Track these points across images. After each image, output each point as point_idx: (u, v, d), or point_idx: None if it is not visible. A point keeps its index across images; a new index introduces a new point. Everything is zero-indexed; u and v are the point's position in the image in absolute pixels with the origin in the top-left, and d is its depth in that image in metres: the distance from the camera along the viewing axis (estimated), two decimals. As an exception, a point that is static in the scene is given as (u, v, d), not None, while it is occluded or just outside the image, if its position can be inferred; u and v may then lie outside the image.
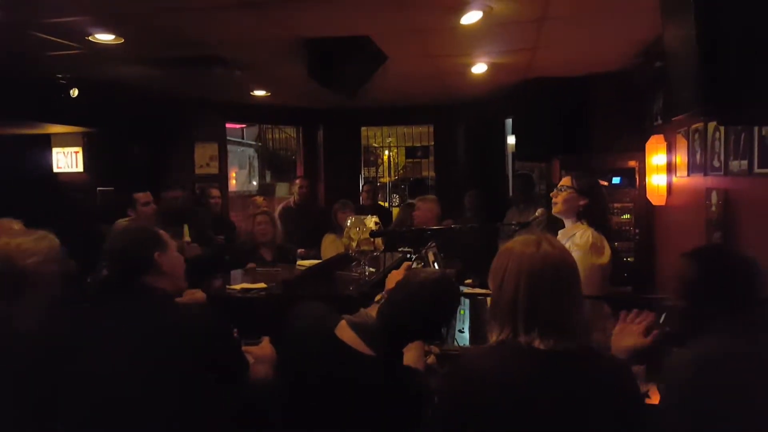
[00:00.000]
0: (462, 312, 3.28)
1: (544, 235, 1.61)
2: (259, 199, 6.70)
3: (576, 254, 2.73)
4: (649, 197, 4.95)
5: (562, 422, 1.42)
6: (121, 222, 3.59)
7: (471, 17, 3.63)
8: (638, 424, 1.50)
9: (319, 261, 4.17)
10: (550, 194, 2.99)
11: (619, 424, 1.46)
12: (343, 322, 1.80)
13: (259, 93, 6.42)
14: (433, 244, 3.52)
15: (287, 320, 1.95)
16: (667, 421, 1.64)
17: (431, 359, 2.55)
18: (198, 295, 2.60)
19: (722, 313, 1.70)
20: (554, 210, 2.95)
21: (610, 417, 1.45)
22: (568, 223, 2.92)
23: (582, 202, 2.86)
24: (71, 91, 5.32)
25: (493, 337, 1.54)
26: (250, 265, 4.35)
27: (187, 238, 4.40)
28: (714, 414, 1.57)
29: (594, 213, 2.86)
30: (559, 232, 2.98)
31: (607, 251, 2.77)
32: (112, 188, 6.24)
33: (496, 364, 1.50)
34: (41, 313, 2.06)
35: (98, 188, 6.31)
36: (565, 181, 2.93)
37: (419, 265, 2.29)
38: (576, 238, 2.79)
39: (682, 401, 1.62)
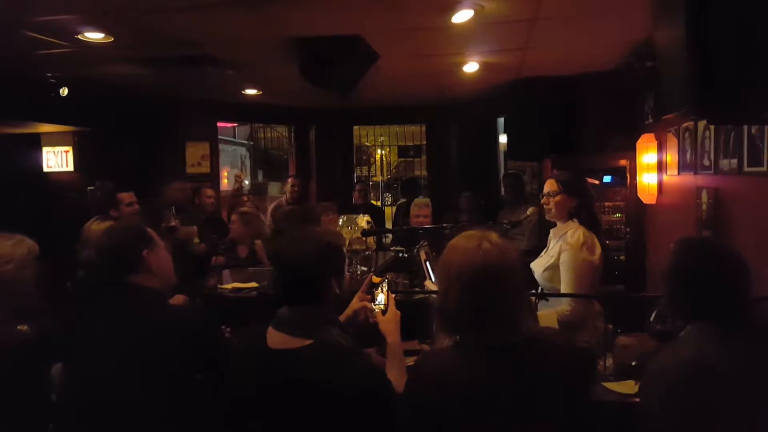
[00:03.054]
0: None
1: (486, 233, 1.64)
2: (246, 198, 6.71)
3: (568, 253, 2.76)
4: (639, 196, 4.98)
5: (519, 411, 1.50)
6: (89, 224, 3.42)
7: (462, 16, 3.63)
8: (585, 402, 1.63)
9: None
10: (541, 201, 2.99)
11: (570, 402, 1.55)
12: (270, 329, 1.73)
13: (251, 92, 6.40)
14: (426, 243, 3.53)
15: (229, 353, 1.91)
16: (651, 426, 1.64)
17: (412, 366, 2.55)
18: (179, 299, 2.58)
19: (705, 312, 1.68)
20: (548, 216, 2.97)
21: (561, 397, 1.53)
22: (559, 222, 2.94)
23: (574, 203, 2.89)
24: (61, 90, 5.29)
25: (444, 338, 1.61)
26: (219, 259, 4.38)
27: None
28: (697, 419, 1.56)
29: (584, 210, 2.89)
30: (551, 230, 3.00)
31: (598, 249, 2.79)
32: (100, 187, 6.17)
33: (451, 363, 1.56)
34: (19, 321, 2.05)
35: (89, 187, 6.27)
36: (551, 185, 2.94)
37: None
38: (567, 237, 2.82)
39: (665, 407, 1.61)
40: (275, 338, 1.71)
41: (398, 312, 2.00)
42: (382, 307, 2.02)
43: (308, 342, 1.67)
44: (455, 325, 1.59)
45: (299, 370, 1.64)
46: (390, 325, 1.96)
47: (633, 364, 2.33)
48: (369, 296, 2.10)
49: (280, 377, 1.65)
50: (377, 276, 2.12)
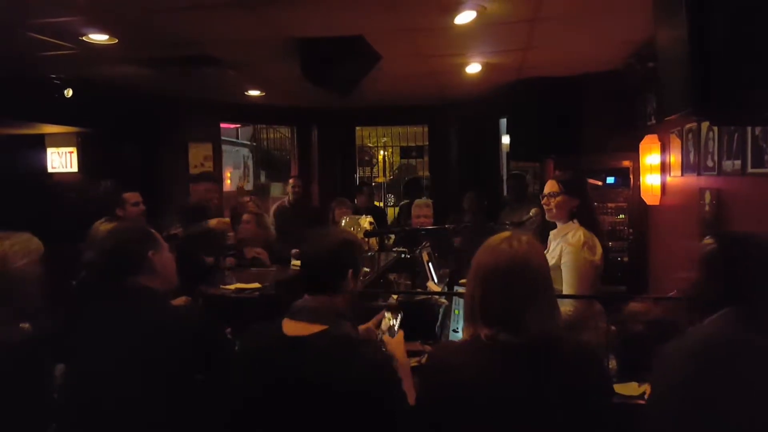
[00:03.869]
0: (456, 312, 3.28)
1: (513, 234, 1.66)
2: (248, 198, 6.71)
3: (569, 254, 2.76)
4: (643, 197, 4.97)
5: (526, 410, 1.50)
6: (98, 224, 3.47)
7: (465, 17, 3.64)
8: (602, 407, 1.59)
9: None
10: (542, 202, 2.99)
11: (583, 407, 1.53)
12: (285, 320, 1.78)
13: (254, 93, 6.41)
14: (428, 244, 3.53)
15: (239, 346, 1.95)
16: (660, 413, 1.63)
17: (426, 359, 2.56)
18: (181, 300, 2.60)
19: (726, 301, 1.66)
20: (549, 216, 2.97)
21: (573, 401, 1.52)
22: (559, 222, 2.94)
23: (575, 204, 2.89)
24: (65, 91, 5.31)
25: (465, 332, 1.66)
26: (229, 260, 4.38)
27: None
28: (706, 406, 1.55)
29: (584, 211, 2.90)
30: (551, 232, 3.00)
31: (599, 249, 2.79)
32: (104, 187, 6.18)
33: (459, 361, 1.59)
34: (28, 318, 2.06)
35: (92, 187, 6.29)
36: (552, 186, 2.94)
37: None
38: (569, 238, 2.82)
39: (674, 393, 1.61)
40: (290, 326, 1.76)
41: (401, 331, 2.08)
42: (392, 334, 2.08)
43: (322, 328, 1.72)
44: (471, 320, 1.62)
45: (310, 356, 1.68)
46: (397, 346, 2.02)
47: (640, 328, 2.36)
48: (378, 330, 2.16)
49: (293, 363, 1.68)
50: (391, 311, 2.17)
